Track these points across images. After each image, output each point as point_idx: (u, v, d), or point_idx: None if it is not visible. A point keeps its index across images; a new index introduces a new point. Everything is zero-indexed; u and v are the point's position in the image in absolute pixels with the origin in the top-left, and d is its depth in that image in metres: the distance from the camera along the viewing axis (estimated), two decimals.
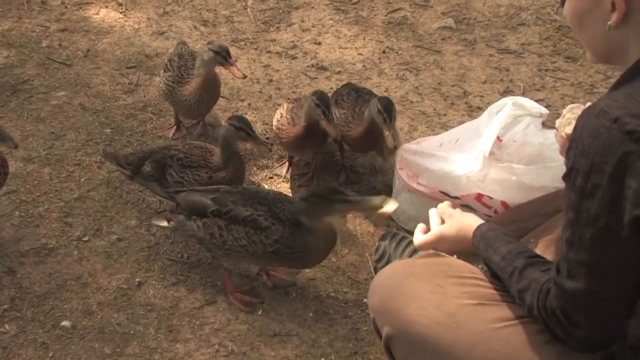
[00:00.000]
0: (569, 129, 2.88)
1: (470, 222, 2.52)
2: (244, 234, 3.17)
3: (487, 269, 2.42)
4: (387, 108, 3.57)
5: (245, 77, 3.89)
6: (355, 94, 3.92)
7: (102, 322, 3.26)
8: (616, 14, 1.95)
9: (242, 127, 3.50)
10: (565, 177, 1.98)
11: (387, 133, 3.55)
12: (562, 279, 2.00)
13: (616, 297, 1.97)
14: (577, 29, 2.10)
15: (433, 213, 2.72)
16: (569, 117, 2.96)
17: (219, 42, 3.94)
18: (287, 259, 3.18)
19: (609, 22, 1.97)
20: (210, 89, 3.97)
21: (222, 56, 3.82)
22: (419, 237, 2.67)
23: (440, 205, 2.74)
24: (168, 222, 3.38)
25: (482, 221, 2.50)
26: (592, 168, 1.87)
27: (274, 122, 3.92)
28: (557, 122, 3.03)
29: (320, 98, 3.58)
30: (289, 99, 4.09)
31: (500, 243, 2.32)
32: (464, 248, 2.55)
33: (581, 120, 1.92)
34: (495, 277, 2.38)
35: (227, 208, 3.20)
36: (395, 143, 3.57)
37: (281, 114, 3.89)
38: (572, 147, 1.93)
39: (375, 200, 3.02)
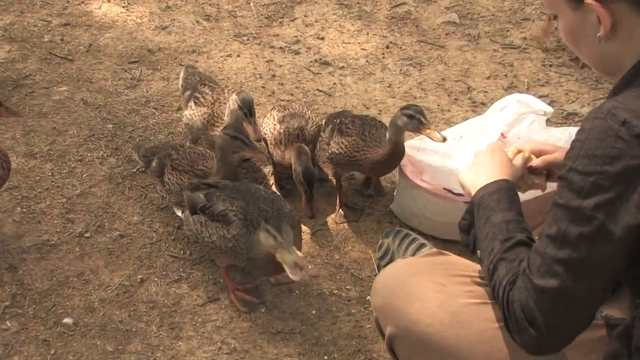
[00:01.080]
0: None
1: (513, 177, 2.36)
2: (214, 230, 3.16)
3: (472, 211, 2.30)
4: (418, 110, 3.48)
5: (445, 139, 3.51)
6: (359, 121, 3.75)
7: (104, 319, 3.25)
8: (602, 26, 1.95)
9: (237, 136, 3.42)
10: (560, 177, 1.96)
11: (429, 130, 3.47)
12: (532, 274, 1.95)
13: (584, 301, 1.92)
14: (573, 47, 2.11)
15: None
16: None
17: (244, 95, 3.67)
18: (245, 261, 3.16)
19: (598, 35, 1.97)
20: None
21: (244, 112, 3.62)
22: None
23: (514, 149, 2.54)
24: (181, 214, 3.45)
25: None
26: (596, 169, 1.86)
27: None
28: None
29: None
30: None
31: (515, 206, 2.20)
32: (474, 179, 2.36)
33: (588, 122, 1.90)
34: (467, 222, 2.31)
35: (209, 204, 3.19)
36: (442, 136, 3.47)
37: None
38: (576, 147, 1.91)
39: (289, 257, 2.88)
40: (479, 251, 2.22)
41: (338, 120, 3.77)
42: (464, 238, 2.37)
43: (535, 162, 2.53)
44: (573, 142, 1.94)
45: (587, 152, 1.88)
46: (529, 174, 2.53)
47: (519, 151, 2.54)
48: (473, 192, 2.31)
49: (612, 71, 2.07)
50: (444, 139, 3.45)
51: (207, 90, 3.95)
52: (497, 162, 2.37)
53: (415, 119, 3.45)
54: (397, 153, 3.58)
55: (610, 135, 1.84)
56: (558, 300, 1.92)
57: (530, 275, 1.96)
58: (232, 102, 3.67)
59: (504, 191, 2.24)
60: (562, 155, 2.46)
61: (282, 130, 3.78)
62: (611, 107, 1.87)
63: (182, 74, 4.19)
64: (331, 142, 3.73)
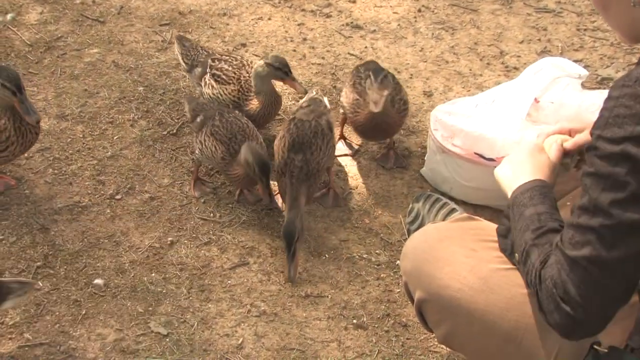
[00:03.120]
0: None
1: (547, 177, 2.27)
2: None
3: (504, 226, 2.30)
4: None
5: (306, 91, 3.82)
6: (236, 62, 3.88)
7: (134, 280, 3.27)
8: None
9: (279, 67, 3.63)
10: (589, 148, 1.93)
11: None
12: (565, 246, 1.92)
13: (619, 271, 1.88)
14: (602, 12, 2.06)
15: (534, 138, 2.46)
16: None
17: (276, 55, 3.74)
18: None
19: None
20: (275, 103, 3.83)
21: (284, 71, 3.69)
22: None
23: (549, 136, 2.45)
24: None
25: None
26: (626, 136, 1.83)
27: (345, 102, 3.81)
28: None
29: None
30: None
31: (548, 201, 2.16)
32: (510, 175, 2.32)
33: (616, 90, 1.87)
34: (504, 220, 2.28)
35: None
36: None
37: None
38: (604, 115, 1.89)
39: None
40: (516, 255, 2.18)
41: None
42: (502, 242, 2.33)
43: (568, 144, 2.47)
44: (601, 110, 1.91)
45: (615, 120, 1.85)
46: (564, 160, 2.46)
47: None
48: (509, 194, 2.26)
49: (639, 37, 2.03)
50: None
51: (226, 66, 3.85)
52: (536, 163, 2.31)
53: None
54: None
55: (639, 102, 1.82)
56: (591, 270, 1.88)
57: (562, 248, 1.93)
58: (260, 67, 3.68)
59: (537, 189, 2.19)
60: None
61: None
62: (638, 75, 1.84)
63: (177, 49, 4.07)
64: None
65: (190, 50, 4.01)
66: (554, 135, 2.43)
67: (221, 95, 3.81)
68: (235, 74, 3.82)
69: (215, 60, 3.89)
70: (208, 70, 3.87)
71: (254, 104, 3.77)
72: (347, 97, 3.76)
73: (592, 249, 1.88)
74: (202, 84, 3.88)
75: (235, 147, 3.46)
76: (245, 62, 3.88)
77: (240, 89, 3.79)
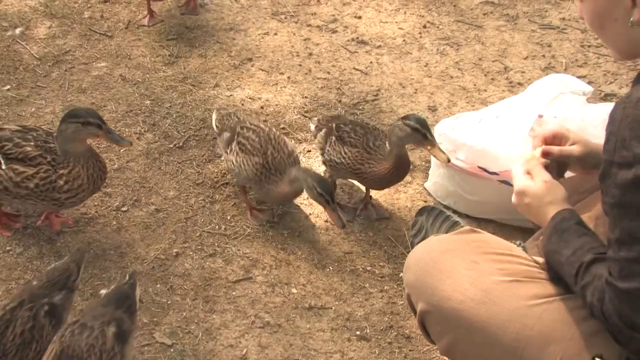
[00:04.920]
0: None
1: (555, 199, 2.30)
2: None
3: (549, 264, 2.30)
4: (422, 123, 3.30)
5: (449, 160, 3.39)
6: (360, 129, 3.59)
7: (139, 291, 3.29)
8: (638, 11, 1.93)
9: (419, 129, 3.28)
10: (603, 176, 1.94)
11: (433, 147, 3.32)
12: (615, 280, 1.95)
13: None
14: (598, 30, 2.07)
15: (518, 167, 2.43)
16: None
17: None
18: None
19: (631, 19, 1.95)
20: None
21: (422, 134, 3.31)
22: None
23: (528, 158, 2.48)
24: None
25: (561, 206, 2.28)
26: (635, 159, 1.85)
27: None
28: None
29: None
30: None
31: (573, 236, 2.17)
32: (535, 221, 2.36)
33: (618, 113, 1.89)
34: (554, 274, 2.28)
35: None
36: (446, 155, 3.33)
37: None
38: (610, 140, 1.90)
39: None
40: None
41: (333, 125, 3.64)
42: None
43: (553, 148, 2.49)
44: (607, 135, 1.92)
45: (622, 144, 1.87)
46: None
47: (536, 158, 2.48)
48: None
49: (636, 54, 2.05)
50: (448, 160, 3.34)
51: (253, 136, 3.61)
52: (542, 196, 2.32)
53: (420, 133, 3.29)
54: (402, 166, 3.45)
55: None
56: None
57: (614, 283, 1.95)
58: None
59: (555, 229, 2.21)
60: (581, 150, 2.46)
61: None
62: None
63: (214, 116, 3.89)
64: (328, 148, 3.60)
65: (225, 116, 3.81)
66: (530, 157, 2.47)
67: (243, 165, 3.56)
68: (261, 146, 3.57)
69: (244, 129, 3.66)
70: (235, 137, 3.66)
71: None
72: (341, 153, 3.56)
73: None
74: (228, 151, 3.67)
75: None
76: (272, 137, 3.60)
77: (266, 164, 3.53)
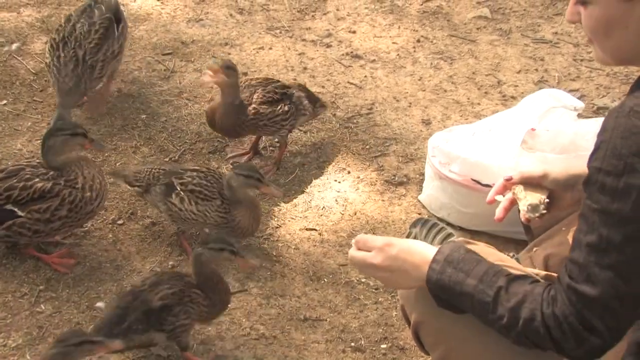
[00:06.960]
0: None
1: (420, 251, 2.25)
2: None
3: (442, 299, 2.22)
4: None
5: (283, 194, 3.72)
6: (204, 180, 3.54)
7: None
8: None
9: (250, 175, 3.39)
10: (588, 181, 1.95)
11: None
12: (579, 284, 1.94)
13: (639, 300, 1.94)
14: (600, 36, 2.03)
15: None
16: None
17: (246, 164, 3.70)
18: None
19: None
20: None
21: (255, 179, 3.40)
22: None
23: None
24: None
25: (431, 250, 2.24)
26: (626, 168, 1.86)
27: None
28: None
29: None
30: None
31: (470, 265, 2.14)
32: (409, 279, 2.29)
33: (610, 122, 1.90)
34: (449, 306, 2.22)
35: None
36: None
37: None
38: (601, 148, 1.91)
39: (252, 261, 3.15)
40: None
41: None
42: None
43: (513, 175, 2.65)
44: (597, 142, 1.94)
45: (613, 152, 1.87)
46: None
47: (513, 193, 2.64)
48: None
49: (633, 62, 2.06)
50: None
51: (204, 181, 3.51)
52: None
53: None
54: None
55: (635, 132, 1.85)
56: (614, 304, 1.92)
57: (576, 287, 1.94)
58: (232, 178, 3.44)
59: (451, 256, 2.18)
60: (549, 178, 2.57)
61: None
62: (633, 105, 1.87)
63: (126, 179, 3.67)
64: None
65: (140, 172, 3.60)
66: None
67: (208, 213, 3.46)
68: (215, 186, 3.51)
69: (184, 177, 3.51)
70: (178, 187, 3.48)
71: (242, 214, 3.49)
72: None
73: (611, 286, 1.90)
74: (175, 202, 3.48)
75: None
76: (214, 172, 3.58)
77: (225, 201, 3.48)
